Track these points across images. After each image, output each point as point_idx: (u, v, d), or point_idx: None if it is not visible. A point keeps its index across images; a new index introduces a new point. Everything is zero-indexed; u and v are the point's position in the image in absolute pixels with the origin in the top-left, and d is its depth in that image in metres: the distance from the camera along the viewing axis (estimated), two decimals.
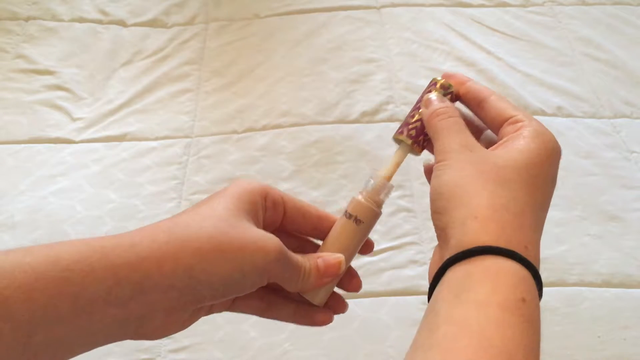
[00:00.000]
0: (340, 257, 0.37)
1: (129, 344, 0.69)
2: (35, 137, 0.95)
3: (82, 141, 0.94)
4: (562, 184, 0.96)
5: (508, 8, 1.19)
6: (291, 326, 0.70)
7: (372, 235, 0.39)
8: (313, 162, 0.89)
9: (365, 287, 0.75)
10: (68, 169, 0.90)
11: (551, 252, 0.77)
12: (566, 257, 0.77)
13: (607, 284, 0.74)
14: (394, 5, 1.19)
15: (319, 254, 0.37)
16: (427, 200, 0.36)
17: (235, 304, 0.38)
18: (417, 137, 0.38)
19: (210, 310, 0.36)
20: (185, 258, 0.31)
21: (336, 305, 0.40)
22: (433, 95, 0.39)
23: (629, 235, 0.79)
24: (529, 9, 1.19)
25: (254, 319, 0.70)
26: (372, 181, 0.38)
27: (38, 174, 0.89)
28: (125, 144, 0.94)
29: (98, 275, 0.29)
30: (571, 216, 0.82)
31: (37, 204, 0.84)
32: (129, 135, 0.95)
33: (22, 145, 0.94)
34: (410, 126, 0.39)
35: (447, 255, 0.31)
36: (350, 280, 0.40)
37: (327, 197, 0.82)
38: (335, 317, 0.40)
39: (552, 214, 0.82)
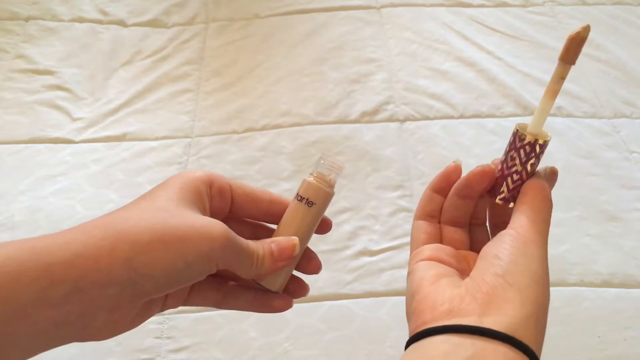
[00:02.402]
0: (294, 239, 0.36)
1: (129, 343, 0.69)
2: (35, 137, 0.95)
3: (82, 141, 0.94)
4: (562, 184, 0.96)
5: (508, 8, 1.19)
6: (291, 326, 0.70)
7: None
8: (313, 162, 0.89)
9: (365, 287, 0.76)
10: (68, 169, 0.90)
11: (551, 252, 0.77)
12: (566, 257, 0.77)
13: (607, 284, 0.74)
14: (394, 5, 1.19)
15: (272, 238, 0.36)
16: None
17: (190, 297, 0.37)
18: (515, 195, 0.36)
19: (164, 305, 0.35)
20: (122, 251, 0.29)
21: (296, 290, 0.39)
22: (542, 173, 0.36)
23: (629, 235, 0.79)
24: (529, 9, 1.19)
25: (253, 318, 0.71)
26: (322, 161, 0.38)
27: (38, 174, 0.89)
28: (125, 144, 0.94)
29: (29, 276, 0.27)
30: (571, 216, 0.82)
31: (37, 204, 0.84)
32: (129, 135, 0.95)
33: (22, 145, 0.94)
34: (512, 190, 0.36)
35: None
36: (308, 262, 0.39)
37: None
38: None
39: (552, 214, 0.83)
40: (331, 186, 0.38)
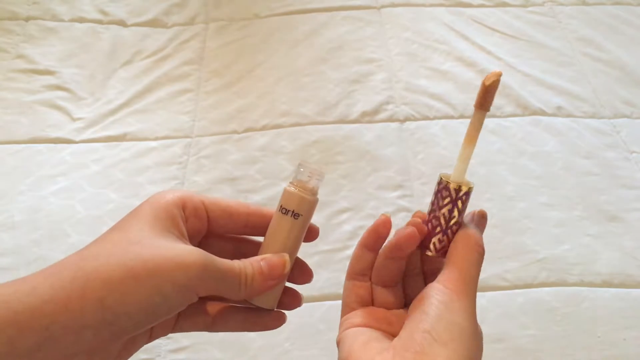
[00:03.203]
0: (284, 256, 0.35)
1: None
2: (35, 137, 0.95)
3: (82, 141, 0.94)
4: (562, 184, 0.96)
5: (508, 8, 1.19)
6: (291, 326, 0.70)
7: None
8: (313, 162, 0.89)
9: None
10: (68, 169, 0.90)
11: (551, 252, 0.77)
12: (566, 257, 0.77)
13: (607, 284, 0.74)
14: (394, 5, 1.19)
15: (261, 256, 0.35)
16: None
17: (178, 325, 0.36)
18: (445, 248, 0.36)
19: (150, 337, 0.34)
20: (93, 292, 0.28)
21: (289, 302, 0.38)
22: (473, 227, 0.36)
23: (629, 235, 0.79)
24: (529, 9, 1.19)
25: None
26: (301, 169, 0.36)
27: (38, 174, 0.89)
28: (125, 144, 0.94)
29: None
30: (571, 216, 0.82)
31: (37, 204, 0.84)
32: (129, 135, 0.95)
33: (22, 145, 0.94)
34: (444, 243, 0.36)
35: None
36: (300, 273, 0.38)
37: (327, 197, 0.82)
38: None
39: (552, 214, 0.83)
40: (314, 193, 0.36)
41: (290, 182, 0.36)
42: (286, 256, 0.35)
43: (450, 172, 0.37)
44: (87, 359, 0.29)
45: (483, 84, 0.34)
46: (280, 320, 0.37)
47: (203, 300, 0.35)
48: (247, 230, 0.37)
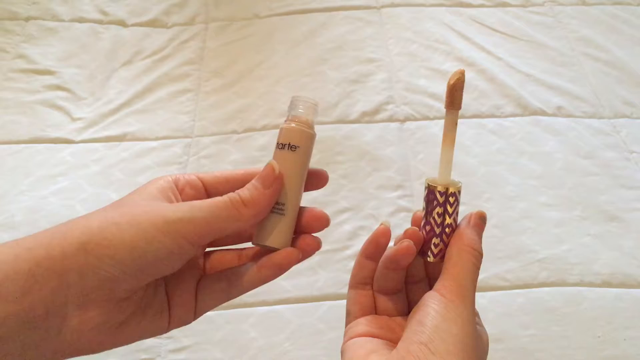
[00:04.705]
0: (271, 162, 0.34)
1: None
2: (35, 137, 0.95)
3: (82, 141, 0.94)
4: (562, 184, 0.96)
5: (508, 8, 1.19)
6: (291, 326, 0.70)
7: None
8: (313, 162, 0.89)
9: None
10: (68, 169, 0.90)
11: (551, 252, 0.77)
12: (566, 257, 0.77)
13: (607, 284, 0.74)
14: (394, 5, 1.19)
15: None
16: None
17: (199, 301, 0.35)
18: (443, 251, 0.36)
19: (172, 317, 0.33)
20: (74, 237, 0.29)
21: (306, 244, 0.36)
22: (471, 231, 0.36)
23: (629, 235, 0.79)
24: (529, 9, 1.19)
25: (254, 318, 0.71)
26: (294, 103, 0.35)
27: (38, 174, 0.89)
28: (125, 144, 0.94)
29: None
30: (571, 216, 0.82)
31: (37, 204, 0.84)
32: (129, 135, 0.95)
33: (22, 145, 0.94)
34: (440, 247, 0.36)
35: None
36: (315, 220, 0.36)
37: (327, 196, 0.82)
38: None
39: (552, 214, 0.83)
40: (310, 127, 0.35)
41: (285, 121, 0.35)
42: (273, 162, 0.34)
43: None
44: (80, 315, 0.29)
45: (448, 83, 0.35)
46: (292, 256, 0.35)
47: (218, 274, 0.35)
48: None
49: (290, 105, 0.35)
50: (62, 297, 0.28)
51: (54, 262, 0.28)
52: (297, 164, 0.35)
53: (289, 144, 0.34)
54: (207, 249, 0.38)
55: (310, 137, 0.35)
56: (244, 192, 0.33)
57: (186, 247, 0.30)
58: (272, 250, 0.35)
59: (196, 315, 0.35)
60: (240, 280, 0.35)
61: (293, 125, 0.35)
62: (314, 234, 0.36)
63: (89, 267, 0.28)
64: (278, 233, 0.35)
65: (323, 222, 0.36)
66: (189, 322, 0.35)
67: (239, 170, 0.36)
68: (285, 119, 0.35)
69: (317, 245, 0.36)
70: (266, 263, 0.35)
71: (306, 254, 0.36)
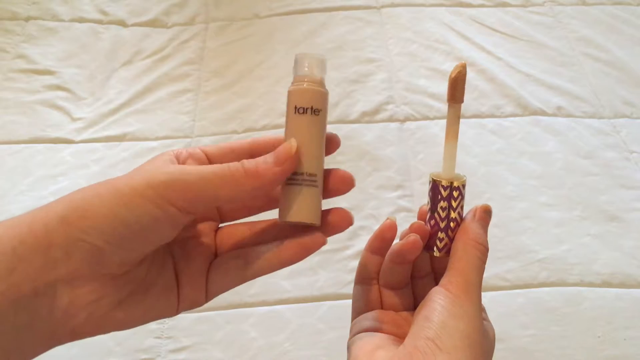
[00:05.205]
0: (290, 141, 0.31)
1: (129, 344, 0.69)
2: (35, 137, 0.95)
3: (82, 141, 0.94)
4: (562, 184, 0.96)
5: (508, 8, 1.19)
6: (291, 326, 0.70)
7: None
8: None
9: None
10: (68, 169, 0.89)
11: (551, 252, 0.77)
12: (566, 257, 0.77)
13: (607, 284, 0.74)
14: (394, 5, 1.19)
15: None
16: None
17: (211, 282, 0.33)
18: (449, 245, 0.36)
19: (181, 297, 0.32)
20: (56, 212, 0.28)
21: (340, 219, 0.33)
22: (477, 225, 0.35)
23: (629, 235, 0.79)
24: (529, 9, 1.19)
25: (254, 318, 0.71)
26: (302, 61, 0.32)
27: (38, 174, 0.89)
28: (125, 144, 0.94)
29: None
30: (571, 216, 0.82)
31: (37, 204, 0.83)
32: (129, 135, 0.95)
33: (22, 145, 0.94)
34: (446, 241, 0.36)
35: None
36: (341, 182, 0.34)
37: None
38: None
39: (552, 214, 0.83)
40: (323, 85, 0.32)
41: (294, 82, 0.32)
42: (293, 142, 0.31)
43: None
44: (71, 291, 0.28)
45: (449, 76, 0.34)
46: (320, 239, 0.33)
47: (223, 241, 0.33)
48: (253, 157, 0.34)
49: (296, 64, 0.32)
50: (49, 274, 0.27)
51: (37, 238, 0.27)
52: (321, 128, 0.32)
53: (312, 108, 0.31)
54: (220, 225, 0.36)
55: (325, 96, 0.32)
56: (250, 162, 0.30)
57: (173, 214, 0.29)
58: (303, 226, 0.32)
59: (208, 296, 0.33)
60: (258, 260, 0.32)
61: (309, 86, 0.31)
62: (346, 209, 0.34)
63: (71, 240, 0.28)
64: (313, 207, 0.32)
65: (349, 183, 0.34)
66: (201, 304, 0.33)
67: (245, 140, 0.34)
68: (294, 79, 0.32)
69: (350, 220, 0.34)
70: (290, 244, 0.32)
71: (339, 229, 0.33)
